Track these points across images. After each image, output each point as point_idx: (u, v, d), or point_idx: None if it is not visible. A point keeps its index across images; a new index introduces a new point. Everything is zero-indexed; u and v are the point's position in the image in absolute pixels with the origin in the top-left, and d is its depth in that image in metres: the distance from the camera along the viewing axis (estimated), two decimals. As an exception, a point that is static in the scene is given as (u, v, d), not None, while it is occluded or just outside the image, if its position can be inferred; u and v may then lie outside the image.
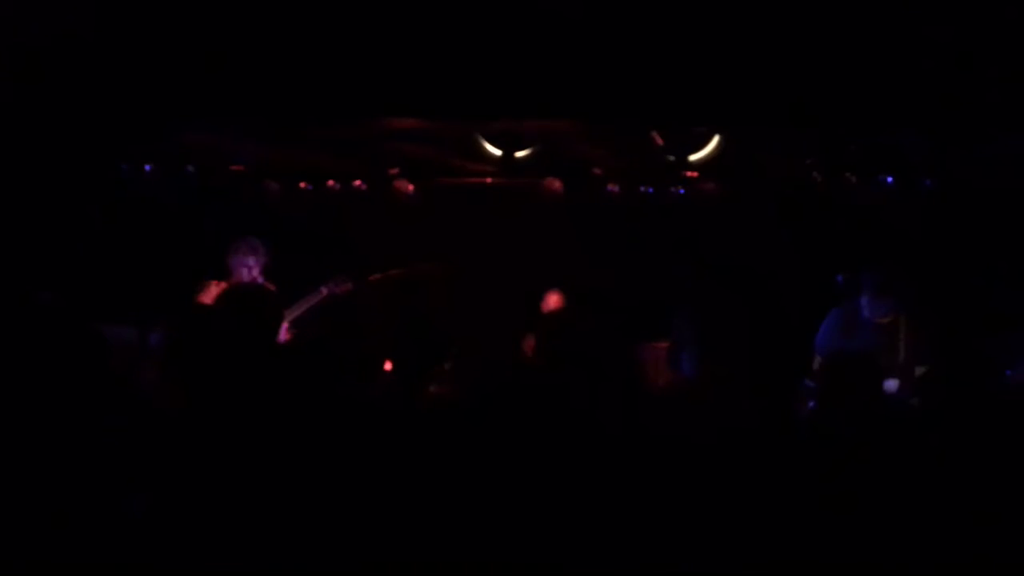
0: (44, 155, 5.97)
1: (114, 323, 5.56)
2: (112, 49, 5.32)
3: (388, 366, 5.24)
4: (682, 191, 7.12)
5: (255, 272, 5.70)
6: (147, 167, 6.99)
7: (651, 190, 7.20)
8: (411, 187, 7.31)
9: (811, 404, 4.38)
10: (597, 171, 7.21)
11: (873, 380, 3.49)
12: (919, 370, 4.95)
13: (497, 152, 6.99)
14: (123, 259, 6.48)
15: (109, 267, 6.20)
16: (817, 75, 5.53)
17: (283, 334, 5.61)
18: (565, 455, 2.92)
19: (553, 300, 6.50)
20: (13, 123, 5.58)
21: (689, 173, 6.98)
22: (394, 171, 7.28)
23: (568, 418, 3.08)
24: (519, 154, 6.98)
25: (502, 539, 2.72)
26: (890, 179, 6.89)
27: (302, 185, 7.39)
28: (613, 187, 7.23)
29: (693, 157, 6.87)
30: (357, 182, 7.36)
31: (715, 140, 6.82)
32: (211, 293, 5.04)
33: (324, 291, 5.85)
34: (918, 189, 6.89)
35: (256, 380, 2.99)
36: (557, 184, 7.16)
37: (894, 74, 5.51)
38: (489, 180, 7.30)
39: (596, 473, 2.88)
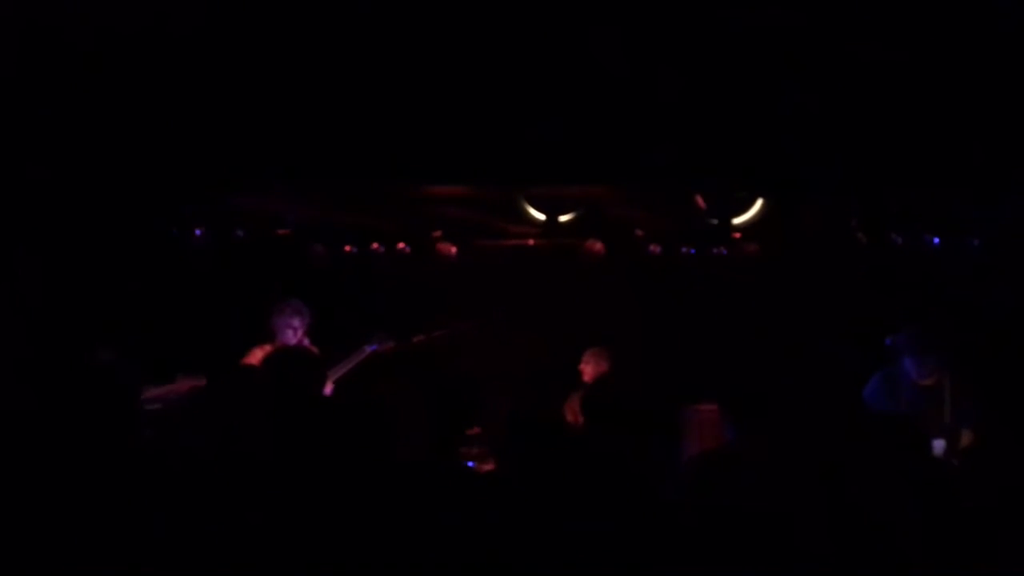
0: (95, 215, 6.11)
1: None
2: (159, 115, 5.45)
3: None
4: (724, 252, 7.09)
5: (300, 334, 5.76)
6: (197, 231, 7.13)
7: (693, 251, 7.19)
8: (454, 249, 7.39)
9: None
10: (639, 232, 7.22)
11: (917, 443, 3.43)
12: (966, 432, 4.87)
13: (541, 216, 7.04)
14: (171, 321, 6.57)
15: (158, 329, 6.28)
16: (859, 136, 5.52)
17: (327, 390, 5.65)
18: (611, 519, 2.88)
19: (595, 361, 6.48)
20: (62, 182, 5.72)
21: (732, 235, 6.97)
22: (437, 234, 7.36)
23: (614, 482, 3.05)
24: (563, 218, 7.02)
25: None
26: (936, 240, 6.83)
27: (347, 248, 7.50)
28: (655, 248, 7.23)
29: (736, 220, 6.86)
30: (401, 245, 7.45)
31: (758, 203, 6.81)
32: (256, 356, 5.11)
33: (367, 349, 5.91)
34: (965, 249, 6.81)
35: (293, 442, 3.00)
36: (599, 245, 7.18)
37: (940, 133, 5.49)
38: (531, 242, 7.35)
39: (642, 540, 2.84)
